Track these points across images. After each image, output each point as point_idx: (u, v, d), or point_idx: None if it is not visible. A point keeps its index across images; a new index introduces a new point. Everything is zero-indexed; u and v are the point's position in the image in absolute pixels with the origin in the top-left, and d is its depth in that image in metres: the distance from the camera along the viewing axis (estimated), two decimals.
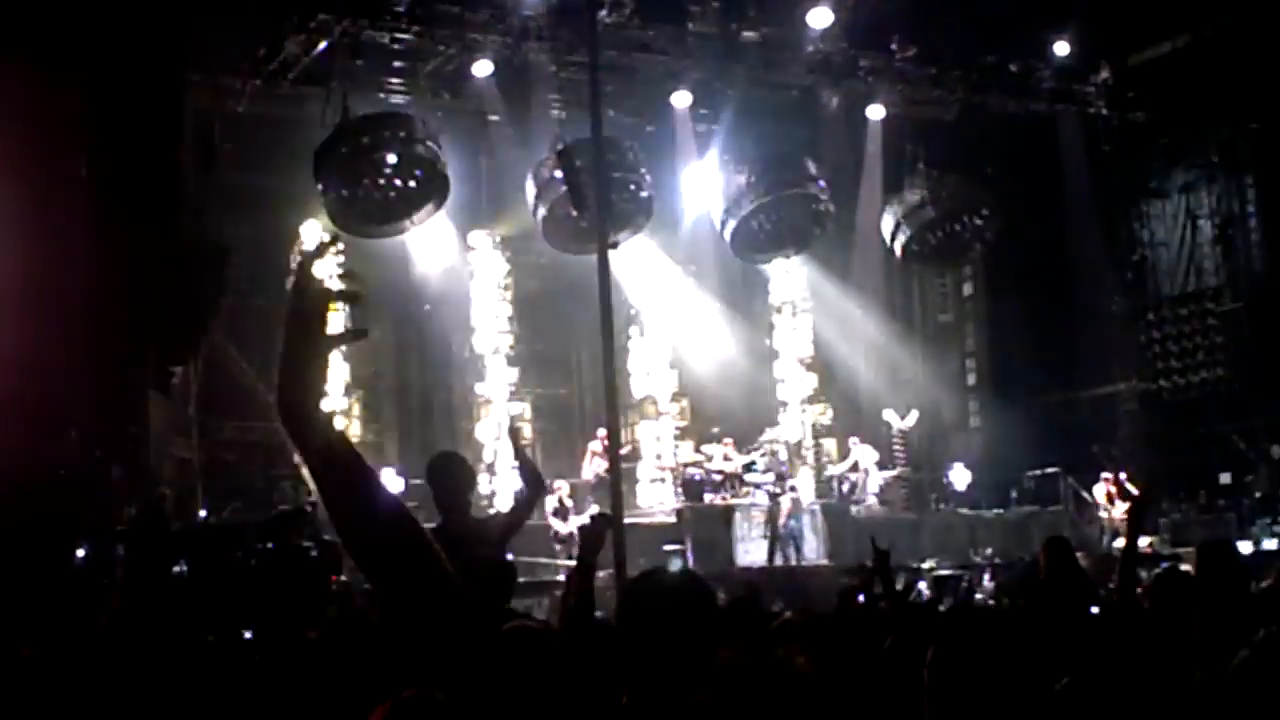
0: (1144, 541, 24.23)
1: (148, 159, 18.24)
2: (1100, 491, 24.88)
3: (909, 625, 6.33)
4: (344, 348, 24.22)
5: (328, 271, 3.06)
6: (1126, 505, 23.83)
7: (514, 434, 9.08)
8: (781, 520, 23.28)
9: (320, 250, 3.17)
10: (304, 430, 2.91)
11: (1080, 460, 26.47)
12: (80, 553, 15.36)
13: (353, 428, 24.57)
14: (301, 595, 13.09)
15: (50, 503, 15.54)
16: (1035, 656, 3.58)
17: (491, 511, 14.58)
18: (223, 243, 21.12)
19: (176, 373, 21.26)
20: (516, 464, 8.69)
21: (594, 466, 23.39)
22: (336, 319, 3.03)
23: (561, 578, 20.88)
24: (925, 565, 22.84)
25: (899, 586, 7.66)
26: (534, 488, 8.39)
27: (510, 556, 7.86)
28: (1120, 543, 24.08)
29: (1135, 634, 5.79)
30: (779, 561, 22.90)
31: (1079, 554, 10.11)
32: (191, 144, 20.95)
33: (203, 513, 21.14)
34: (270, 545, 15.66)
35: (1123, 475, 24.53)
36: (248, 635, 9.72)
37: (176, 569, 14.80)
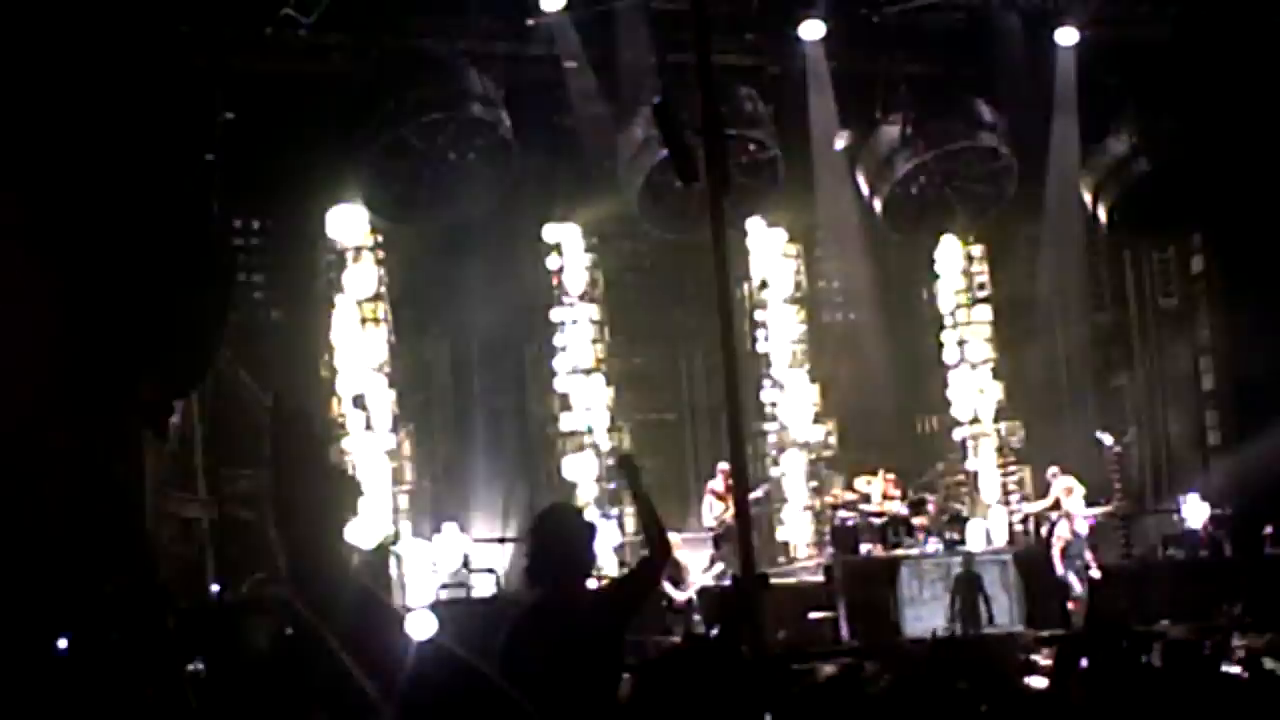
0: None
1: (129, 135, 18.41)
2: None
3: (1143, 702, 6.24)
4: (389, 369, 24.47)
5: None
6: None
7: (628, 470, 8.81)
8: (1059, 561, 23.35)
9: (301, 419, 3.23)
10: (323, 599, 3.00)
11: None
12: (61, 643, 15.52)
13: (403, 471, 24.70)
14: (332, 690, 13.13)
15: (16, 583, 15.70)
16: None
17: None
18: (228, 240, 21.34)
19: (176, 409, 21.46)
20: (635, 513, 8.72)
21: (714, 513, 23.37)
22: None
23: None
24: (1155, 629, 22.55)
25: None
26: (661, 546, 8.37)
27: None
28: None
29: None
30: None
31: None
32: (187, 114, 21.17)
33: (215, 587, 21.33)
34: (296, 628, 15.73)
35: None
36: None
37: (191, 666, 14.95)
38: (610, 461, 25.13)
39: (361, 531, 23.61)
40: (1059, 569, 24.08)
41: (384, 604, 3.09)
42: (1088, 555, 24.29)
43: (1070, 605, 23.86)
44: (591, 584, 8.15)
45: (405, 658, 3.02)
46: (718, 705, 3.47)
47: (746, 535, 11.30)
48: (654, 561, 8.41)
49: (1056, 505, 25.73)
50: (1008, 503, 27.78)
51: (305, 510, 3.03)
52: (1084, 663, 8.14)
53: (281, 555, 3.01)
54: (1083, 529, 24.73)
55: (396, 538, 23.38)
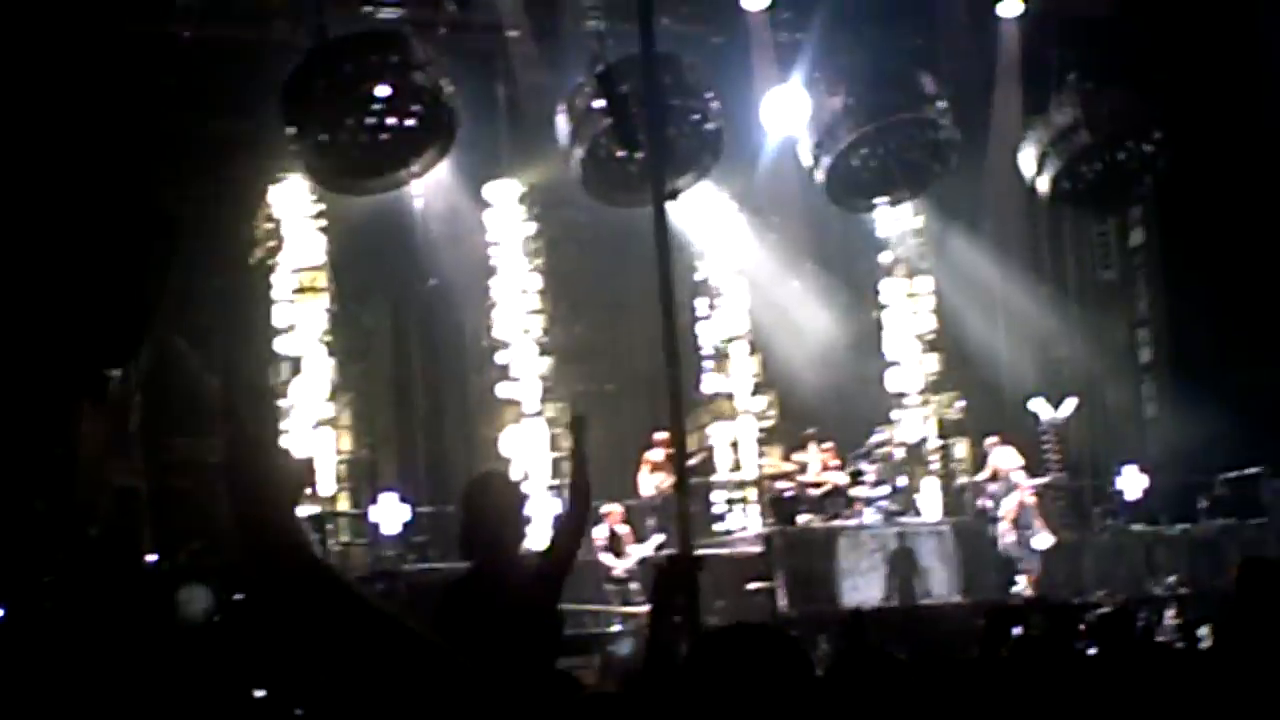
0: None
1: (66, 102, 18.35)
2: None
3: (1072, 677, 6.30)
4: (330, 338, 24.43)
5: None
6: None
7: (579, 429, 8.56)
8: (1003, 534, 23.45)
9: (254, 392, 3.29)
10: (263, 544, 2.98)
11: None
12: None
13: (341, 441, 24.70)
14: (285, 656, 13.13)
15: None
16: (1232, 712, 3.54)
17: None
18: (167, 207, 21.21)
19: (114, 377, 21.37)
20: (571, 469, 8.53)
21: (652, 482, 23.40)
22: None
23: (617, 628, 20.98)
24: (1089, 600, 22.74)
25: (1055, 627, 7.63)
26: (582, 506, 8.23)
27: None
28: None
29: None
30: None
31: None
32: (126, 81, 21.07)
33: (152, 556, 21.26)
34: (237, 596, 15.76)
35: None
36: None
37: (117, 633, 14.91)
38: (554, 431, 25.21)
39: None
40: (1009, 539, 24.19)
41: (339, 578, 3.08)
42: (1037, 524, 24.42)
43: (1020, 577, 23.98)
44: (526, 554, 8.00)
45: (363, 633, 3.01)
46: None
47: (685, 508, 11.34)
48: (573, 523, 8.25)
49: (995, 476, 25.87)
50: (946, 474, 27.92)
51: (258, 482, 3.03)
52: (1017, 632, 8.19)
53: (234, 527, 3.01)
54: (1030, 499, 24.86)
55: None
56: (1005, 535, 24.28)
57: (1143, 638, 20.75)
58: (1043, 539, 24.31)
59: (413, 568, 22.36)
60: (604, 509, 22.19)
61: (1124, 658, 7.41)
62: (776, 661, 3.51)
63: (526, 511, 7.85)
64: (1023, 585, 23.78)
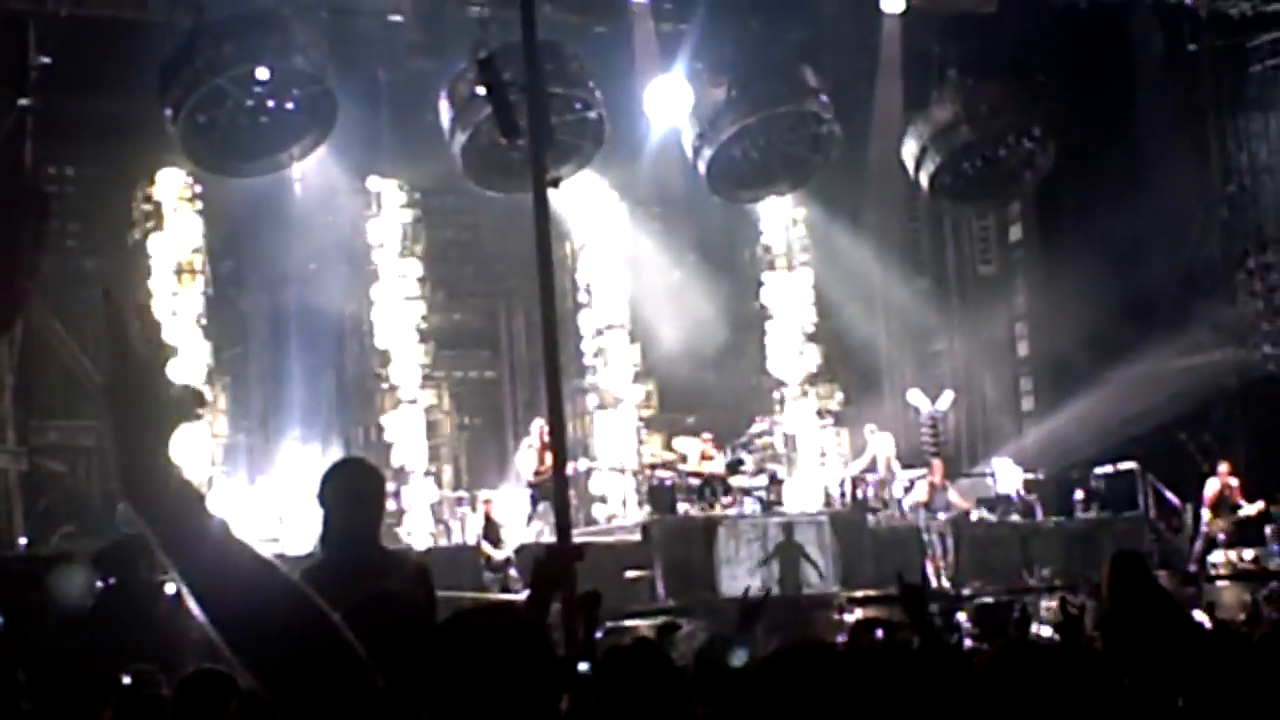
0: (1249, 554, 24.54)
1: None
2: (1211, 489, 24.97)
3: (946, 670, 6.37)
4: (206, 323, 24.28)
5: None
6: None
7: (589, 604, 8.26)
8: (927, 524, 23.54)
9: (139, 312, 3.20)
10: (150, 501, 2.96)
11: (1164, 452, 26.59)
12: None
13: (217, 424, 24.56)
14: (152, 642, 13.06)
15: None
16: (1105, 702, 3.61)
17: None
18: (42, 185, 21.03)
19: None
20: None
21: (532, 468, 23.40)
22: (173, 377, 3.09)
23: None
24: (965, 592, 22.94)
25: (931, 620, 7.69)
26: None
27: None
28: (1220, 555, 24.26)
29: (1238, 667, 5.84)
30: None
31: (1162, 573, 10.19)
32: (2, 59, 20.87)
33: (23, 540, 21.08)
34: (111, 580, 15.64)
35: (1223, 468, 24.78)
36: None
37: None
38: (430, 419, 25.29)
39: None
40: (920, 523, 24.37)
41: (207, 505, 3.06)
42: (953, 501, 24.69)
43: (930, 564, 24.10)
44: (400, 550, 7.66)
45: (267, 594, 2.98)
46: (517, 669, 3.46)
47: (564, 497, 11.37)
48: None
49: (872, 465, 26.09)
50: (824, 464, 28.08)
51: (142, 401, 3.00)
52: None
53: (113, 451, 2.99)
54: (938, 480, 24.98)
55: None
56: (919, 518, 24.42)
57: (1019, 631, 21.06)
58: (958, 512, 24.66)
59: (287, 554, 22.25)
60: (482, 496, 22.25)
61: (1001, 646, 7.47)
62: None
63: (382, 498, 7.56)
64: (931, 571, 23.90)
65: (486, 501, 22.26)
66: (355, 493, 7.30)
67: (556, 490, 11.50)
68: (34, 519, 21.74)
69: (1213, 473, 25.22)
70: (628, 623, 18.83)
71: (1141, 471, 26.60)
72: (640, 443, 26.96)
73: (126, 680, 8.72)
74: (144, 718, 7.51)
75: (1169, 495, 26.18)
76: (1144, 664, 7.22)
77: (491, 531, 21.99)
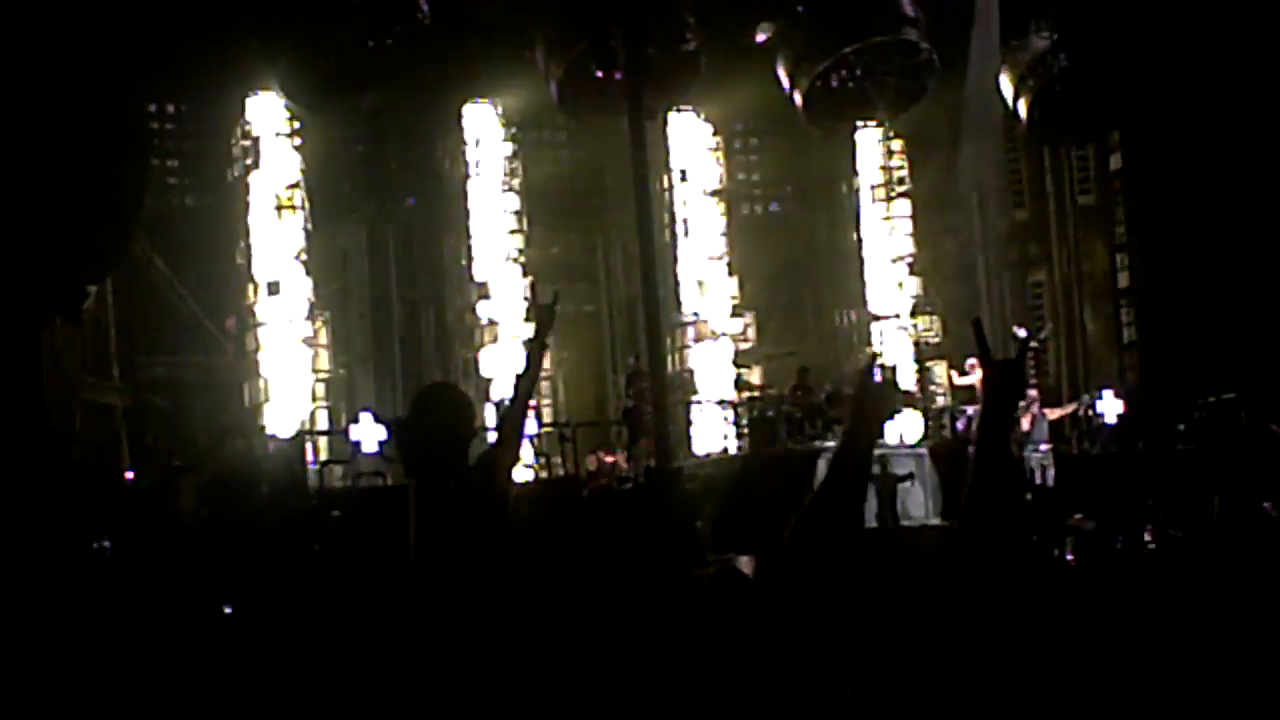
0: None
1: (38, 20, 18.30)
2: None
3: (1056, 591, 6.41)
4: (306, 257, 24.47)
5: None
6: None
7: (544, 315, 8.20)
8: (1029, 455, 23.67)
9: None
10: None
11: (1266, 383, 26.39)
12: None
13: (318, 360, 24.73)
14: (265, 570, 13.30)
15: None
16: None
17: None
18: (145, 126, 21.20)
19: (89, 294, 21.42)
20: (528, 353, 7.95)
21: (628, 402, 23.46)
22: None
23: None
24: (1070, 522, 22.90)
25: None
26: (526, 392, 7.56)
27: None
28: None
29: None
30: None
31: (1266, 504, 10.12)
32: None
33: (130, 474, 21.34)
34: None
35: None
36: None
37: (97, 544, 15.00)
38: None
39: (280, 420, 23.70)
40: (1022, 453, 24.35)
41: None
42: (1047, 445, 24.70)
43: (1031, 494, 24.10)
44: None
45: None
46: None
47: (664, 427, 11.48)
48: (526, 384, 7.50)
49: (975, 395, 25.96)
50: (925, 396, 28.02)
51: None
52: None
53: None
54: (1037, 412, 24.93)
55: None
56: (1021, 449, 24.40)
57: (1121, 558, 21.05)
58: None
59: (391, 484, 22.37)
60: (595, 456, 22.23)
61: (1104, 575, 7.56)
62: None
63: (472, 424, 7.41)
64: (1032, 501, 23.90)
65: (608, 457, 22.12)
66: (448, 416, 7.18)
67: (657, 423, 11.60)
68: (139, 452, 21.99)
69: None
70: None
71: (1243, 401, 26.43)
72: (738, 376, 26.93)
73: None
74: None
75: (1272, 425, 25.98)
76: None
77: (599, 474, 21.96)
